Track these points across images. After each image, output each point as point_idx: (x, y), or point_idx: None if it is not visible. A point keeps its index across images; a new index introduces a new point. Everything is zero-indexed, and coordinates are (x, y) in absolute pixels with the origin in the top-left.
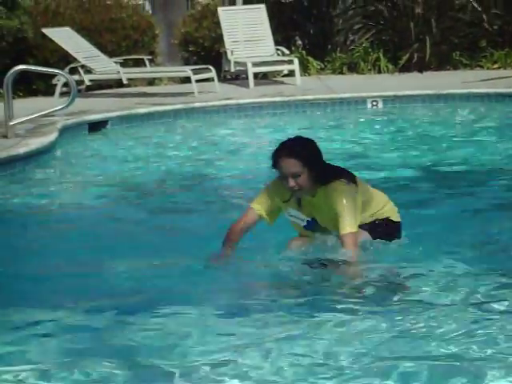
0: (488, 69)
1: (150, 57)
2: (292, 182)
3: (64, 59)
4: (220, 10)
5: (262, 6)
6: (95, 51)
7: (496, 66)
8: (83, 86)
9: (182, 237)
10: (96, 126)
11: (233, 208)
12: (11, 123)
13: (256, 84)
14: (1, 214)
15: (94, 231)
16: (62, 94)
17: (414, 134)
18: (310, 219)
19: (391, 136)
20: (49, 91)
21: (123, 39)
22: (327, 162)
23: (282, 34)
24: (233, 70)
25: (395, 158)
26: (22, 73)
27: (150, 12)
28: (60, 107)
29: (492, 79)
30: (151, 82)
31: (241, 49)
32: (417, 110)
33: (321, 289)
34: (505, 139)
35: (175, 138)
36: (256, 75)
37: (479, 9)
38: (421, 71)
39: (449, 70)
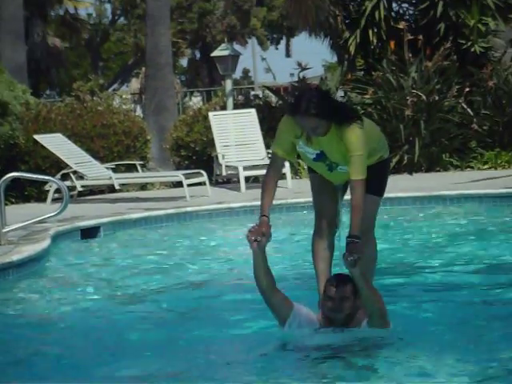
0: (479, 169)
1: (141, 162)
2: (311, 132)
3: (56, 165)
4: (211, 114)
5: (253, 111)
6: (87, 157)
7: (486, 166)
8: (75, 192)
9: (179, 340)
10: (89, 232)
11: (223, 317)
12: (4, 230)
13: (247, 187)
14: None
15: (89, 337)
16: (55, 200)
17: (403, 235)
18: (318, 152)
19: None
20: (41, 197)
21: (115, 145)
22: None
23: (273, 138)
24: (224, 173)
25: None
26: (14, 179)
27: (142, 117)
28: (53, 214)
29: (483, 180)
30: (143, 186)
31: (232, 153)
32: (408, 211)
33: None
34: (495, 242)
35: (168, 242)
36: (247, 179)
37: (468, 110)
38: (411, 173)
39: (439, 171)
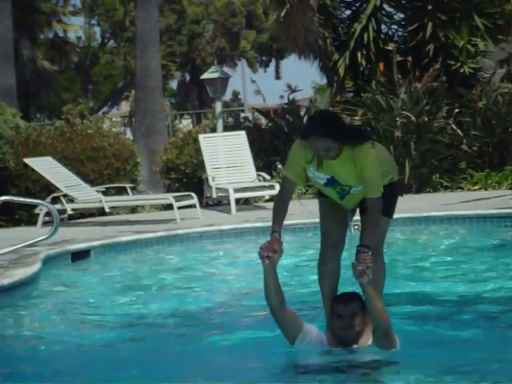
0: (469, 190)
1: (131, 185)
2: (324, 154)
3: (46, 188)
4: (201, 136)
5: (243, 133)
6: (77, 180)
7: (476, 187)
8: (65, 215)
9: (175, 363)
10: (79, 255)
11: (221, 334)
12: None
13: (238, 210)
14: None
15: (78, 364)
16: (45, 224)
17: (393, 256)
18: (329, 177)
19: None
20: (31, 221)
21: (105, 168)
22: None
23: (263, 160)
24: (215, 196)
25: None
26: (5, 203)
27: (132, 139)
28: (43, 237)
29: (473, 201)
30: (134, 209)
31: (222, 175)
32: (398, 232)
33: None
34: (486, 262)
35: (158, 265)
36: (238, 201)
37: (458, 131)
38: (401, 194)
39: (429, 192)
